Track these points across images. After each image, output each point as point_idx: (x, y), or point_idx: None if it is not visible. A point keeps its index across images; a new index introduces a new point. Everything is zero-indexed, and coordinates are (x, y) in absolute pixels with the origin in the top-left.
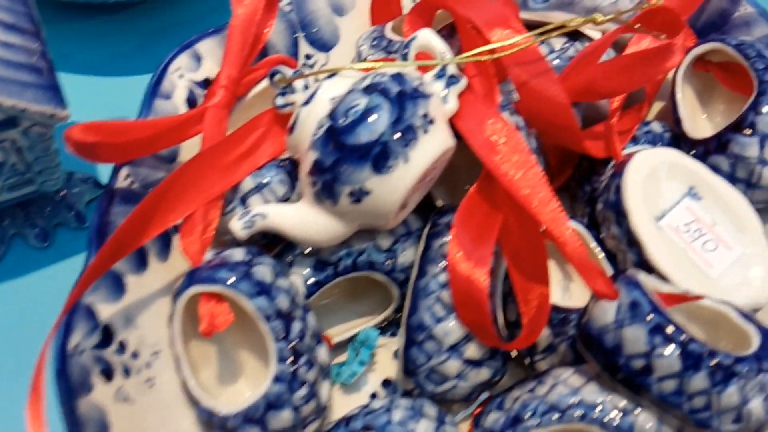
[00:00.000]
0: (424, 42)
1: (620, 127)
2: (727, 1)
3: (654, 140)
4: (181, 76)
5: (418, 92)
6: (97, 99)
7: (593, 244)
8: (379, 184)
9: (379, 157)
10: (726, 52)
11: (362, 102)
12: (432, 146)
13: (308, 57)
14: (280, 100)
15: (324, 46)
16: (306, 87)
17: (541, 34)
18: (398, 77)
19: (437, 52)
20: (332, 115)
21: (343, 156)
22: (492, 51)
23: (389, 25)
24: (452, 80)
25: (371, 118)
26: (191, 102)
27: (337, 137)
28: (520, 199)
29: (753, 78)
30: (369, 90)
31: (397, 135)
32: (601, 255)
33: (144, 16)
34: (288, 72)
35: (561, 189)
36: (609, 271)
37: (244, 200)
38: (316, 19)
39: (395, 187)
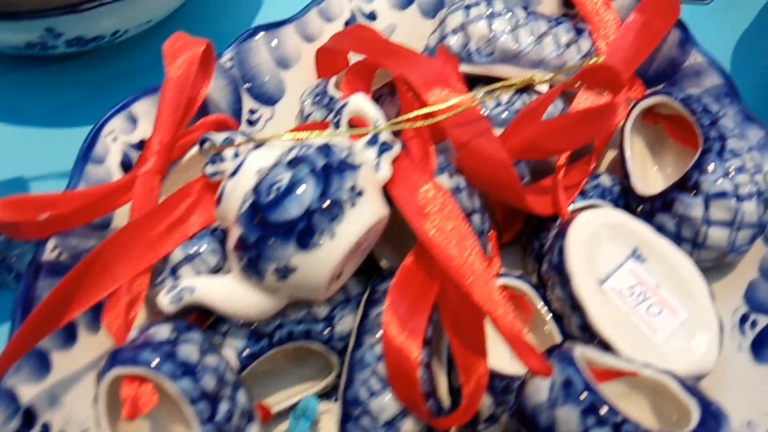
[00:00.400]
0: (356, 108)
1: (568, 181)
2: (676, 50)
3: (603, 194)
4: (115, 139)
5: (346, 164)
6: (43, 151)
7: (540, 304)
8: (306, 260)
9: (304, 233)
10: (673, 106)
11: (286, 177)
12: (361, 219)
13: (252, 112)
14: (209, 169)
15: (269, 99)
16: (236, 155)
17: (490, 92)
18: (325, 149)
19: (369, 118)
20: (256, 190)
21: (267, 233)
22: (429, 115)
23: (333, 81)
24: (385, 147)
25: (295, 194)
26: (126, 165)
27: (260, 213)
28: (451, 271)
29: (698, 134)
30: (293, 164)
31: (323, 210)
32: (549, 316)
33: (89, 66)
34: (218, 139)
35: (513, 242)
36: (556, 333)
37: (174, 271)
38: (259, 74)
39: (322, 263)
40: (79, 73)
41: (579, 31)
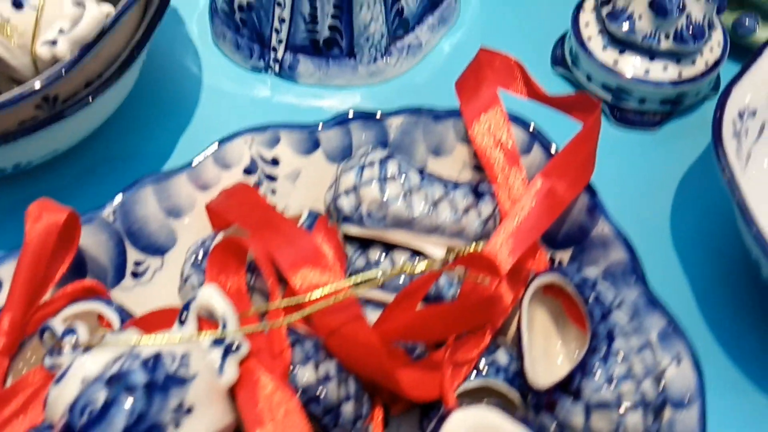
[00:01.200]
0: (204, 304)
1: (460, 356)
2: (585, 215)
3: (498, 372)
4: None
5: (174, 378)
6: None
7: None
8: None
9: None
10: (566, 289)
11: (101, 397)
12: None
13: (138, 263)
14: (47, 361)
15: (158, 250)
16: (76, 346)
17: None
18: (152, 361)
19: (218, 315)
20: (71, 409)
21: None
22: (292, 308)
23: (218, 239)
24: (231, 348)
25: (107, 419)
26: None
27: None
28: None
29: (588, 327)
30: (112, 381)
31: None
32: None
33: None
34: (59, 329)
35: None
36: None
37: None
38: (146, 225)
39: None
40: None
41: (479, 195)
